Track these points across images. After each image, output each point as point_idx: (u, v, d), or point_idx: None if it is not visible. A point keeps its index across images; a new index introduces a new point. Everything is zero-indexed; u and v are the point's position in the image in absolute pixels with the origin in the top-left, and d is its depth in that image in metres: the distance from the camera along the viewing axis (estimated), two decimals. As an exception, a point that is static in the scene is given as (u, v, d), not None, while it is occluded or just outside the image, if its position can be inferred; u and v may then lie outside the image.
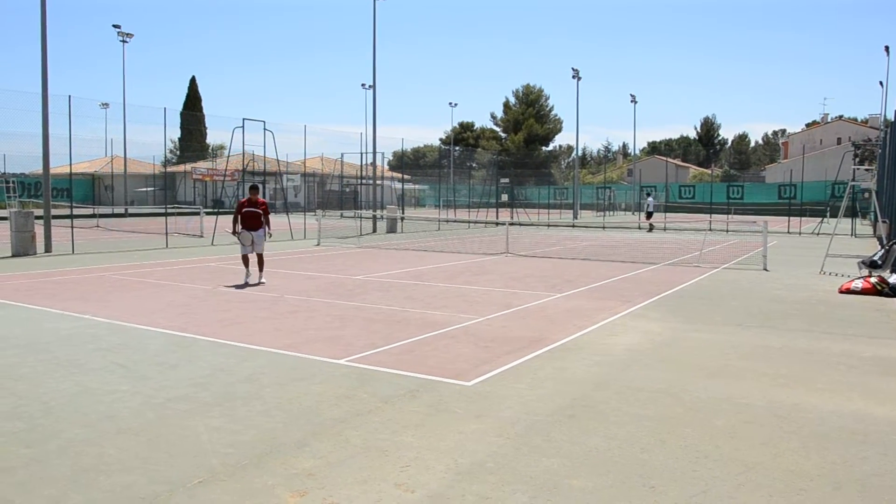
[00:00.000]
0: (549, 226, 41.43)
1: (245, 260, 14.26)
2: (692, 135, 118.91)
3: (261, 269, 14.42)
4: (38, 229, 20.97)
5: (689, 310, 11.34)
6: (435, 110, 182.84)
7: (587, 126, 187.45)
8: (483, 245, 25.32)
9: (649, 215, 38.42)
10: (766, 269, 17.19)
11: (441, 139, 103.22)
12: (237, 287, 13.60)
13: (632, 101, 71.57)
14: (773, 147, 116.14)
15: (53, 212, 22.90)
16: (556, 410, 6.04)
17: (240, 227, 14.35)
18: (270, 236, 14.77)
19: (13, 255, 19.88)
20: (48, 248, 21.20)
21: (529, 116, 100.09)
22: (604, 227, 38.77)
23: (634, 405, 6.23)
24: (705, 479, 4.61)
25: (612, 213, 65.84)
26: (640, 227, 37.61)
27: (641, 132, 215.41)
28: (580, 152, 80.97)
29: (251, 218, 14.40)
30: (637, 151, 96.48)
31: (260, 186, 15.45)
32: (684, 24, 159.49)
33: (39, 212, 22.23)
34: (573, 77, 57.41)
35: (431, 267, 17.67)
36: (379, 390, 6.58)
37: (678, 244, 25.86)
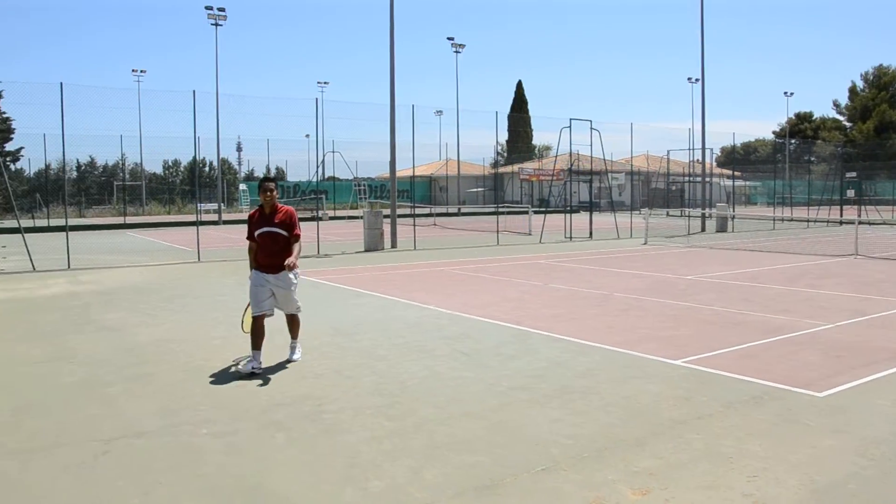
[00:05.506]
0: (906, 225, 36.73)
1: (256, 329, 7.42)
2: None
3: (294, 334, 7.92)
4: (385, 227, 23.16)
5: None
6: (767, 102, 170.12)
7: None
8: (826, 246, 23.14)
9: None
10: None
11: (774, 132, 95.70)
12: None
13: None
14: None
15: (397, 211, 25.22)
16: (932, 433, 5.30)
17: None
18: (291, 265, 7.39)
19: (366, 250, 22.18)
20: (394, 244, 23.34)
21: (882, 102, 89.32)
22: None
23: None
24: None
25: None
26: None
27: None
28: (948, 141, 70.53)
29: (270, 247, 7.55)
30: None
31: (275, 183, 7.77)
32: None
33: (386, 211, 24.59)
34: (939, 56, 50.27)
35: (768, 268, 16.52)
36: (719, 394, 6.28)
37: None
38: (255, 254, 7.67)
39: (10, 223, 28.12)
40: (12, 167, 52.27)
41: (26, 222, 25.92)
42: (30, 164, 56.93)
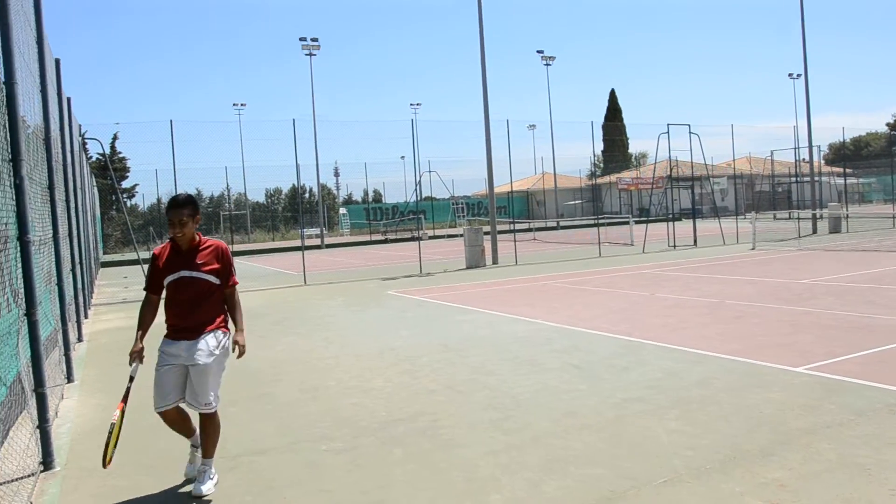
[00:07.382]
0: None
1: (173, 421, 5.16)
2: None
3: (209, 448, 4.95)
4: (486, 244, 23.20)
5: None
6: (878, 91, 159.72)
7: None
8: (953, 243, 21.83)
9: None
10: None
11: (888, 124, 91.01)
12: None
13: None
14: None
15: (497, 227, 25.24)
16: None
17: (140, 346, 5.03)
18: (239, 350, 4.95)
19: (467, 267, 22.28)
20: (495, 260, 23.37)
21: None
22: None
23: None
24: None
25: None
26: None
27: None
28: None
29: (188, 301, 4.85)
30: None
31: (192, 207, 4.79)
32: None
33: (486, 228, 24.65)
34: None
35: (891, 269, 15.68)
36: (849, 402, 5.99)
37: None
38: (148, 313, 4.95)
39: (129, 255, 29.61)
40: (128, 203, 55.23)
41: (143, 254, 27.21)
42: (143, 199, 60.07)
